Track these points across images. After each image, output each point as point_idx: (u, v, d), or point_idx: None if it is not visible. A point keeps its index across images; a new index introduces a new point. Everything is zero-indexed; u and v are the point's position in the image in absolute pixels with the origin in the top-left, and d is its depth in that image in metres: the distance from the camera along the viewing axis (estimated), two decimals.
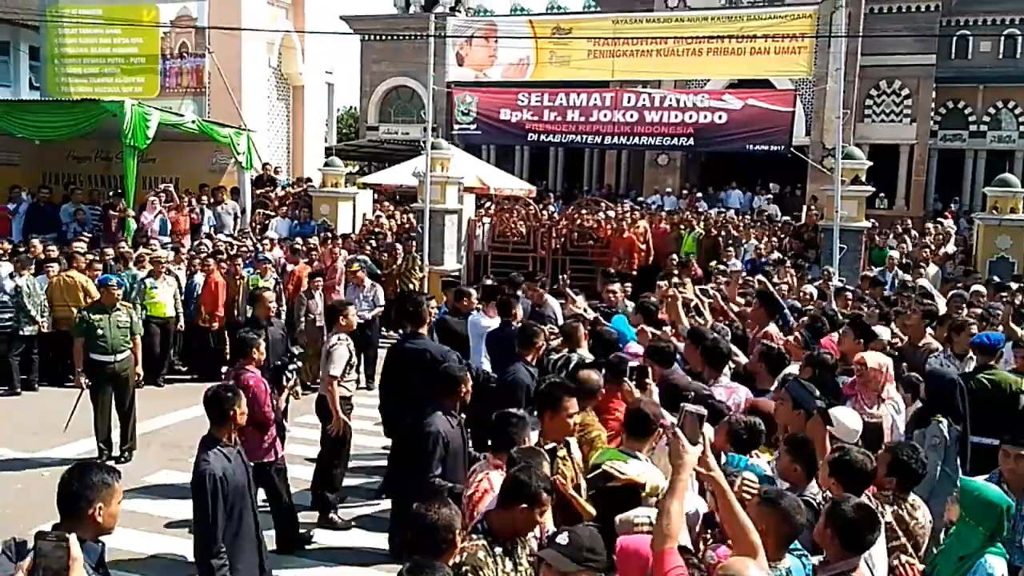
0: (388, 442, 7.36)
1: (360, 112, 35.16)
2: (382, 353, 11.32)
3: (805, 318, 7.73)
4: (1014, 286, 10.70)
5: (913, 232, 17.06)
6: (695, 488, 3.89)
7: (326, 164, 17.88)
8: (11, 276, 11.04)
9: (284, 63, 21.47)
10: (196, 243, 13.69)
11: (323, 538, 6.85)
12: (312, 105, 22.70)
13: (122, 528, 3.37)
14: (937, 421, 5.37)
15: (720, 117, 16.69)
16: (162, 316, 11.38)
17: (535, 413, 5.98)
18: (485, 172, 21.17)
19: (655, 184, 26.65)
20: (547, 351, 6.94)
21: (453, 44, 17.30)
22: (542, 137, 18.10)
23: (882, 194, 24.92)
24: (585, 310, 8.28)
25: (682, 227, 16.72)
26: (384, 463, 7.70)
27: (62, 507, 3.27)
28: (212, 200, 15.94)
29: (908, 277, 12.37)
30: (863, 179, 14.73)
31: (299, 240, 14.07)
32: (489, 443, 4.67)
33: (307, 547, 6.66)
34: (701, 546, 3.68)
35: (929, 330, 7.74)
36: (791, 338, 7.01)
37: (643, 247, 15.91)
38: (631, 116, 17.32)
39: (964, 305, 8.99)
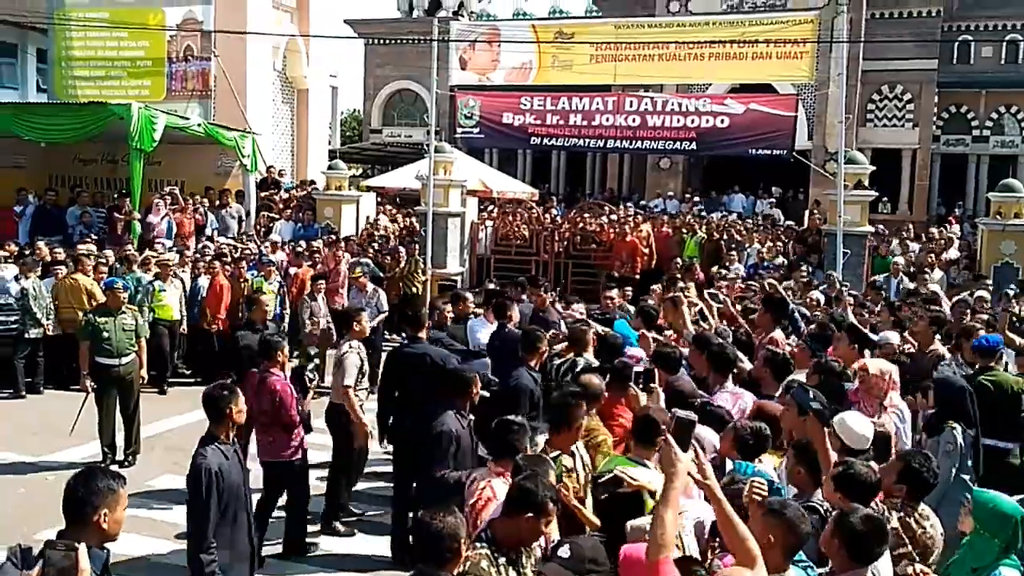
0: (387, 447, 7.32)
1: (363, 115, 35.19)
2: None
3: (813, 325, 7.71)
4: (1010, 292, 10.68)
5: (916, 241, 17.01)
6: (700, 496, 3.90)
7: (330, 167, 17.91)
8: (16, 279, 11.06)
9: (289, 67, 21.51)
10: (200, 246, 13.72)
11: (325, 544, 6.86)
12: (316, 108, 22.75)
13: (125, 532, 3.38)
14: (951, 428, 5.37)
15: (722, 121, 16.69)
16: (169, 319, 11.42)
17: (536, 418, 6.05)
18: (488, 175, 21.20)
19: (657, 188, 26.66)
20: (551, 355, 6.95)
21: (456, 48, 17.33)
22: (544, 141, 18.12)
23: (885, 199, 24.91)
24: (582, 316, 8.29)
25: (684, 231, 16.73)
26: (383, 468, 7.71)
27: (67, 513, 3.27)
28: (218, 203, 15.98)
29: (912, 284, 12.35)
30: (866, 184, 14.73)
31: (302, 243, 14.10)
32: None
33: (309, 554, 6.66)
34: (709, 555, 3.68)
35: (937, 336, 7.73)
36: (796, 344, 7.01)
37: (646, 251, 15.93)
38: (633, 120, 17.33)
39: (968, 311, 8.99)
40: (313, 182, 18.73)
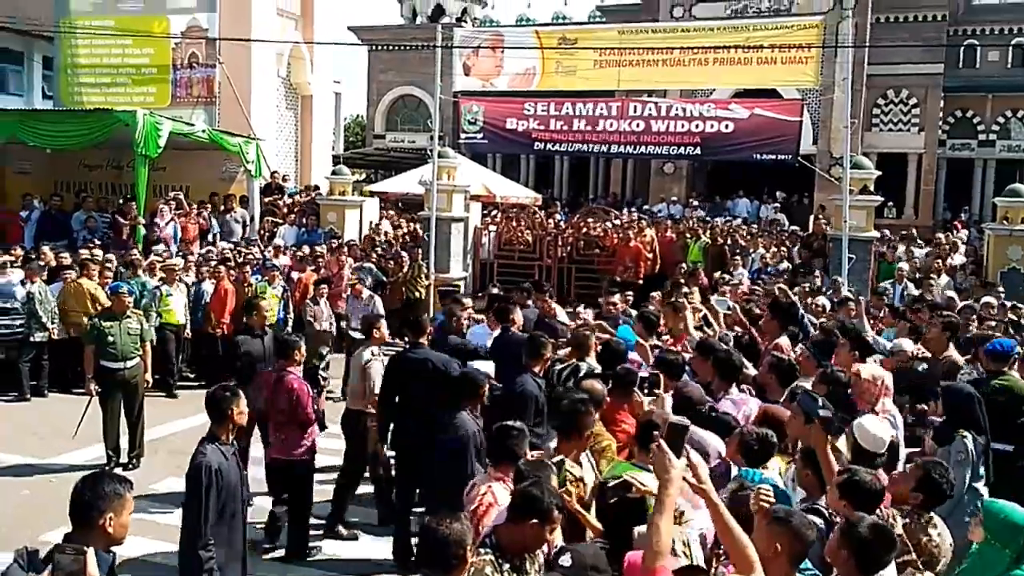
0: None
1: (367, 120, 35.27)
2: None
3: (818, 332, 7.67)
4: (1007, 303, 10.65)
5: (921, 246, 16.97)
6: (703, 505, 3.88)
7: (333, 172, 17.94)
8: (22, 283, 11.11)
9: (293, 73, 21.60)
10: (204, 250, 13.75)
11: (328, 548, 6.85)
12: (320, 114, 22.84)
13: (129, 535, 3.39)
14: (961, 436, 5.34)
15: (727, 126, 16.66)
16: (175, 323, 11.45)
17: (540, 424, 6.05)
18: (491, 180, 21.24)
19: (661, 192, 26.66)
20: (553, 360, 6.94)
21: (460, 54, 17.33)
22: (548, 146, 18.10)
23: (890, 203, 24.85)
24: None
25: (688, 236, 16.72)
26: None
27: (74, 516, 3.29)
28: (222, 208, 16.02)
29: (917, 291, 12.32)
30: (871, 189, 14.71)
31: (305, 248, 14.12)
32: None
33: (311, 558, 6.65)
34: (714, 563, 3.67)
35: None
36: (800, 351, 6.98)
37: (649, 256, 15.92)
38: (637, 125, 17.32)
39: (974, 317, 8.94)
40: (317, 187, 18.78)
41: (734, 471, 4.62)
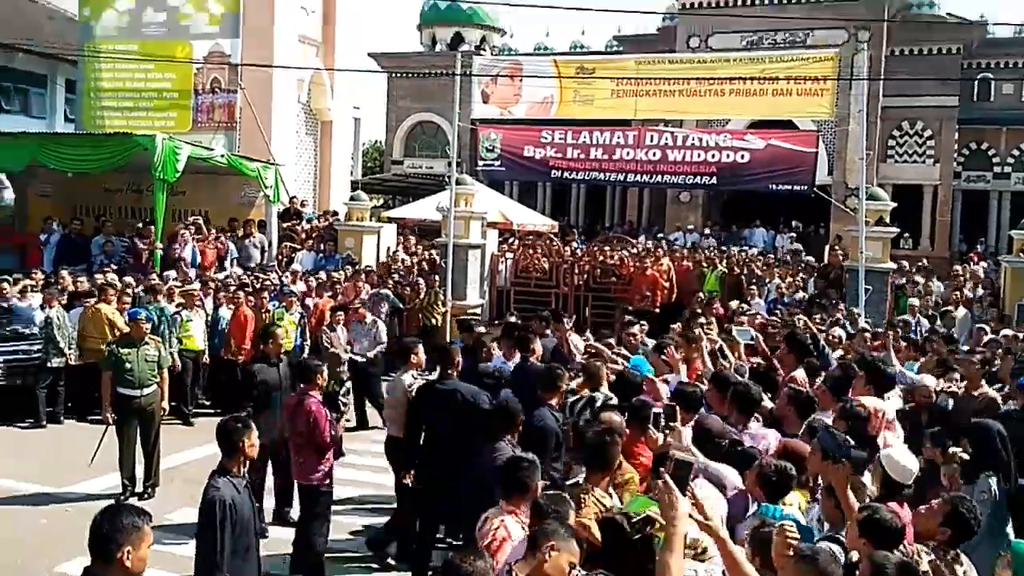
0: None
1: (385, 146, 35.56)
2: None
3: (835, 367, 7.61)
4: (1010, 333, 10.57)
5: (935, 278, 16.87)
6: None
7: (352, 198, 18.05)
8: (41, 308, 11.16)
9: (313, 99, 21.81)
10: (224, 276, 13.80)
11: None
12: (339, 140, 23.02)
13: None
14: (986, 476, 5.29)
15: (743, 156, 16.70)
16: (195, 349, 11.48)
17: (558, 459, 6.02)
18: (508, 208, 21.31)
19: (677, 221, 26.68)
20: (566, 391, 6.91)
21: (478, 82, 17.49)
22: (565, 174, 18.21)
23: (906, 235, 24.80)
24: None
25: (705, 265, 16.70)
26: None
27: (92, 549, 3.30)
28: (240, 233, 16.11)
29: (934, 324, 12.25)
30: (887, 220, 14.67)
31: (322, 274, 14.18)
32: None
33: None
34: None
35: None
36: (817, 386, 6.92)
37: (666, 285, 15.90)
38: (653, 155, 17.39)
39: (1000, 350, 8.88)
40: (335, 213, 18.87)
41: (752, 506, 4.59)
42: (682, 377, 7.15)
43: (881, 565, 3.35)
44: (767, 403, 6.60)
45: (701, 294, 14.30)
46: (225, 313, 11.87)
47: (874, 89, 22.39)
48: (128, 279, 12.62)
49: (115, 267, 13.77)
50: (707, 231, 24.46)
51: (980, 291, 15.38)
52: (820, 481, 4.70)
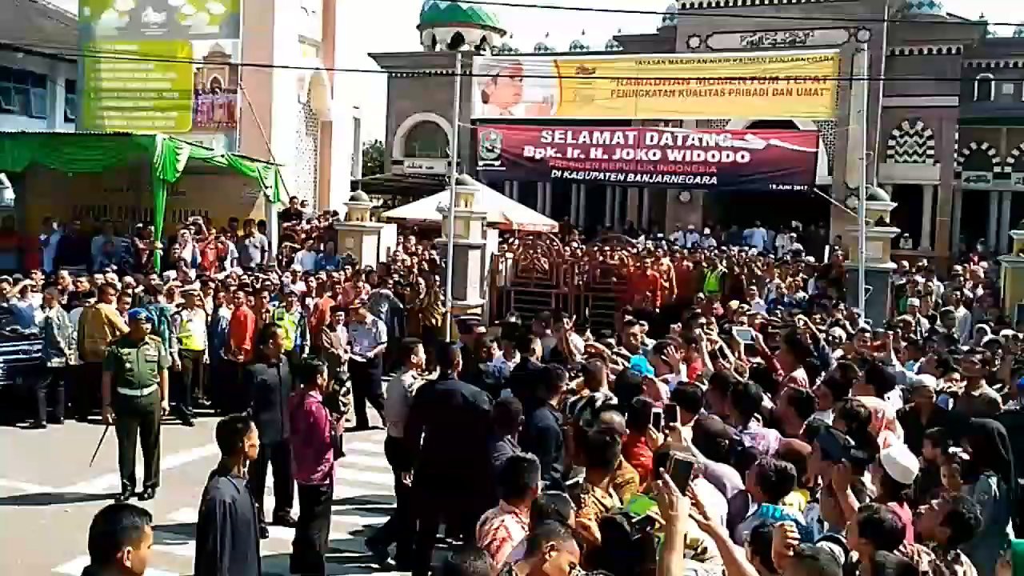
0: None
1: (385, 146, 35.56)
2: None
3: (835, 368, 7.61)
4: (1009, 333, 10.57)
5: (936, 277, 16.87)
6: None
7: (352, 198, 18.06)
8: (41, 308, 11.16)
9: (313, 99, 21.81)
10: (224, 276, 13.80)
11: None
12: (339, 140, 23.03)
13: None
14: (986, 476, 5.30)
15: (743, 156, 16.72)
16: (195, 349, 11.48)
17: (558, 459, 6.02)
18: (508, 208, 21.31)
19: (677, 221, 26.67)
20: (566, 391, 6.92)
21: (479, 82, 17.49)
22: (565, 174, 18.24)
23: (906, 234, 24.78)
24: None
25: (705, 265, 16.71)
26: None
27: (92, 550, 3.31)
28: (241, 233, 16.12)
29: (934, 324, 12.26)
30: (887, 220, 14.67)
31: (322, 274, 14.18)
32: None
33: None
34: None
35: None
36: (816, 387, 6.93)
37: (666, 285, 15.91)
38: (654, 155, 17.41)
39: (1000, 350, 8.88)
40: (335, 213, 18.88)
41: (752, 506, 4.60)
42: (682, 377, 7.16)
43: (881, 565, 3.35)
44: (767, 403, 6.61)
45: (701, 294, 14.30)
46: (225, 313, 11.86)
47: (874, 89, 22.36)
48: (128, 279, 12.63)
49: (115, 267, 13.78)
50: (707, 231, 24.46)
51: (980, 291, 15.38)
52: (820, 481, 4.69)
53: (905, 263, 17.03)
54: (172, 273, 13.33)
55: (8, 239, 16.42)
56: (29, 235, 15.90)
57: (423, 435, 6.73)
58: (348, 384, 7.80)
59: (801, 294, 14.94)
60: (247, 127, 18.93)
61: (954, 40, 26.39)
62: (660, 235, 24.18)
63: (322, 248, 16.76)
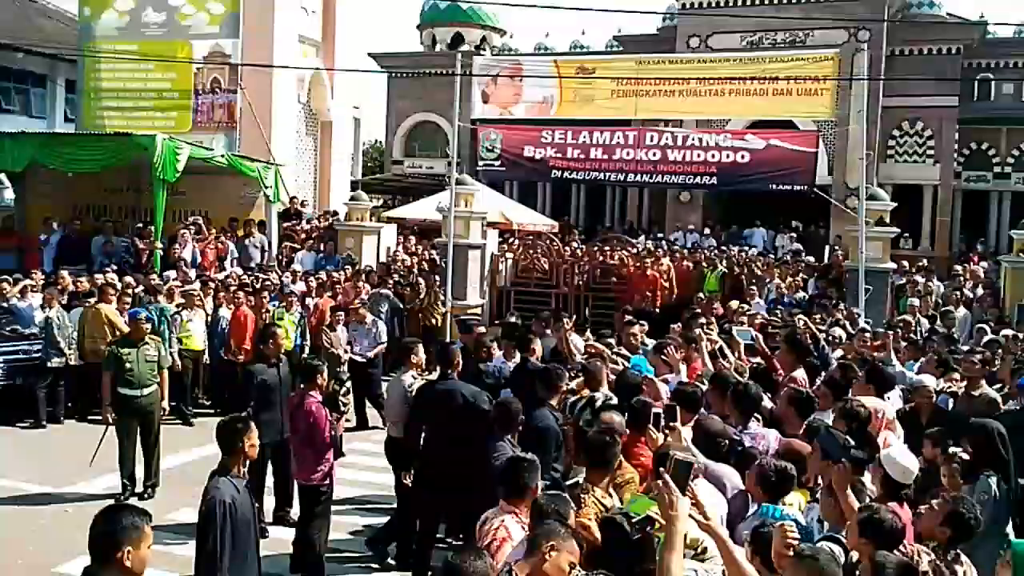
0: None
1: (385, 146, 35.56)
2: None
3: (835, 367, 7.62)
4: (1009, 333, 10.56)
5: (936, 277, 16.87)
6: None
7: (352, 198, 18.06)
8: (41, 308, 11.16)
9: (313, 99, 21.82)
10: (225, 275, 13.81)
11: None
12: (339, 140, 23.05)
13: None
14: (986, 476, 5.30)
15: (743, 156, 16.72)
16: (195, 349, 11.48)
17: (558, 459, 6.02)
18: (508, 208, 21.31)
19: (677, 221, 26.67)
20: (566, 391, 6.92)
21: (478, 82, 17.49)
22: (565, 174, 18.23)
23: (906, 234, 24.78)
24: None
25: (705, 265, 16.71)
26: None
27: (92, 550, 3.31)
28: (241, 233, 16.12)
29: (934, 324, 12.26)
30: (887, 220, 14.67)
31: (322, 274, 14.18)
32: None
33: None
34: None
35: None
36: (816, 387, 6.93)
37: (666, 285, 15.92)
38: (654, 154, 17.41)
39: (1000, 350, 8.88)
40: (335, 213, 18.89)
41: (752, 506, 4.60)
42: (682, 377, 7.16)
43: (881, 565, 3.35)
44: (767, 403, 6.61)
45: (701, 294, 14.30)
46: (225, 313, 11.86)
47: (874, 89, 22.36)
48: (128, 279, 12.63)
49: (115, 267, 13.78)
50: (707, 231, 24.46)
51: (980, 291, 15.38)
52: (820, 481, 4.70)
53: (905, 263, 17.02)
54: (172, 273, 13.30)
55: (8, 239, 16.43)
56: (29, 235, 15.90)
57: (423, 435, 6.74)
58: (348, 384, 7.79)
59: (801, 294, 14.94)
60: (247, 127, 18.94)
61: (954, 40, 26.39)
62: (660, 235, 24.18)
63: (322, 248, 16.76)
